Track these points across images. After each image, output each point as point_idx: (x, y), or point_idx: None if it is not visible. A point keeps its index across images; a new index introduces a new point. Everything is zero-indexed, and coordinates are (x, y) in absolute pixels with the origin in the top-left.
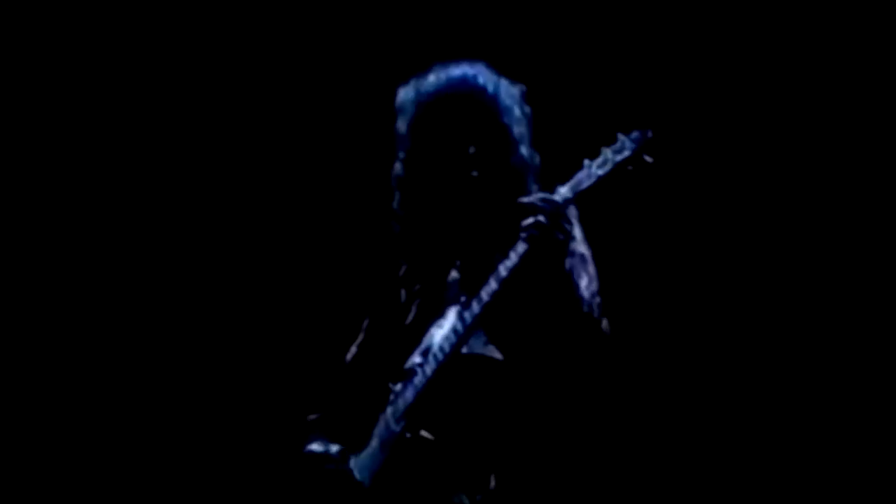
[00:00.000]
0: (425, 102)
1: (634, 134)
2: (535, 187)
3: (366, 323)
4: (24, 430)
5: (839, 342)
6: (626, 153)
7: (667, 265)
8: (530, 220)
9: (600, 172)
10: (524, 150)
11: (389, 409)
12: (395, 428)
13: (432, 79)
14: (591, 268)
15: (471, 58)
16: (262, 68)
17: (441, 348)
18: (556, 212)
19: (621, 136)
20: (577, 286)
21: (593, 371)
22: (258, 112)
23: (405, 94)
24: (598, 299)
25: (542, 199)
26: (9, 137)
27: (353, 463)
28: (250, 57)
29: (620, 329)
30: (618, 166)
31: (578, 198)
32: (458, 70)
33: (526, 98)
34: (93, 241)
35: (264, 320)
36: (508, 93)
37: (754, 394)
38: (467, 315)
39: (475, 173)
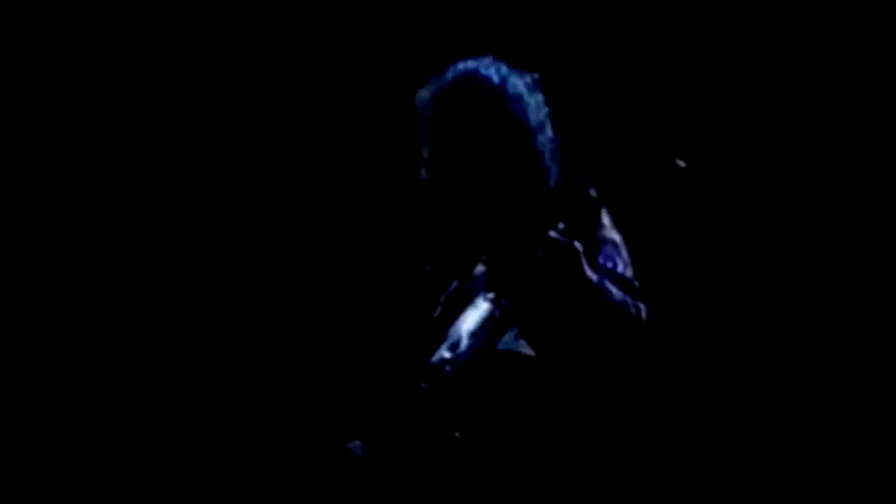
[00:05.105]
0: (439, 102)
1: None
2: (554, 169)
3: (392, 319)
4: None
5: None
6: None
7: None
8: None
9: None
10: (542, 137)
11: (421, 407)
12: (427, 426)
13: (445, 78)
14: (625, 253)
15: (486, 52)
16: (274, 75)
17: (470, 344)
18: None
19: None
20: (608, 292)
21: (629, 362)
22: (274, 118)
23: (423, 96)
24: (637, 283)
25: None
26: (9, 138)
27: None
28: (263, 63)
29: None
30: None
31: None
32: (462, 65)
33: (540, 85)
34: (96, 241)
35: (290, 315)
36: (517, 81)
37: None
38: (496, 310)
39: (491, 166)
